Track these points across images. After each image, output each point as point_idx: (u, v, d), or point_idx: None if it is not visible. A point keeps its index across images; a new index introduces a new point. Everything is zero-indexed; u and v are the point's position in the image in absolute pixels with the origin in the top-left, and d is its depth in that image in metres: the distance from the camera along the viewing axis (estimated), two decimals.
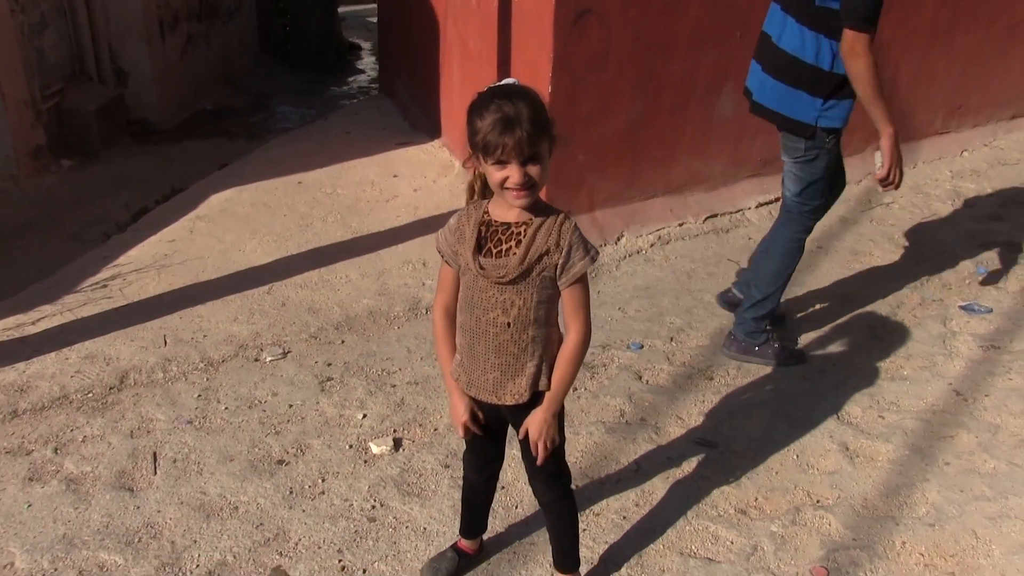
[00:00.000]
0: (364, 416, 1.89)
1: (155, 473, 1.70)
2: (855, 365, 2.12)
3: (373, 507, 1.63)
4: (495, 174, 1.14)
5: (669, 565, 1.52)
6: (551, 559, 1.46)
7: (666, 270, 2.55)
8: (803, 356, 2.13)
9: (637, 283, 2.48)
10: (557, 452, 1.30)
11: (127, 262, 2.47)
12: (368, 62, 5.39)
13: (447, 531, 1.57)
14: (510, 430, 1.34)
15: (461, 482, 1.46)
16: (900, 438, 1.85)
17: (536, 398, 1.26)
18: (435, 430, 1.85)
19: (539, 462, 1.27)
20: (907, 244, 2.73)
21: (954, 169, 3.25)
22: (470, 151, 1.16)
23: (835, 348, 2.20)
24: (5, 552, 1.51)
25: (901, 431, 1.87)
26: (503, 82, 1.17)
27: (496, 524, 1.58)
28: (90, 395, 1.93)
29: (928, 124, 3.28)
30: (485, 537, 1.54)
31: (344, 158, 3.13)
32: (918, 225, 2.84)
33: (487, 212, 1.21)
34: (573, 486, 1.42)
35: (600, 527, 1.60)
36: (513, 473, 1.67)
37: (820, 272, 2.49)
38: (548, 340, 1.25)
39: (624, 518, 1.62)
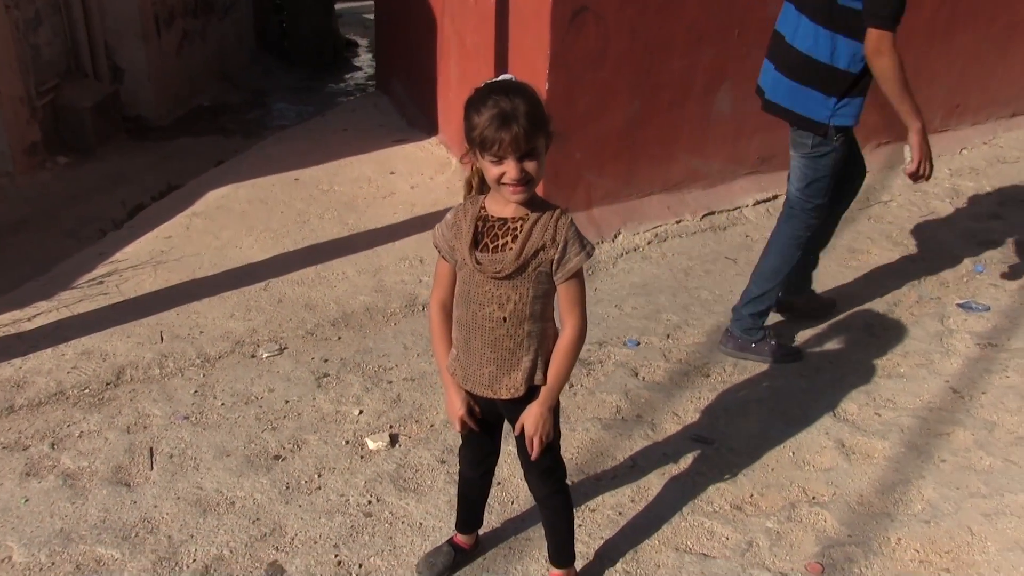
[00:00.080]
0: (360, 412, 1.91)
1: (152, 468, 1.72)
2: (852, 363, 2.15)
3: (369, 502, 1.66)
4: (492, 170, 1.16)
5: (664, 561, 1.55)
6: (546, 554, 1.48)
7: (663, 268, 2.58)
8: (800, 354, 2.16)
9: (634, 280, 2.50)
10: (552, 447, 1.32)
11: (123, 259, 2.49)
12: (365, 59, 5.41)
13: (443, 526, 1.59)
14: (506, 426, 1.36)
15: (457, 477, 1.48)
16: (896, 435, 1.87)
17: (532, 393, 1.28)
18: (431, 426, 1.87)
19: (534, 456, 1.29)
20: (905, 242, 2.75)
21: (953, 167, 3.28)
22: (467, 146, 1.18)
23: (832, 346, 2.23)
24: (3, 546, 1.53)
25: (897, 428, 1.90)
26: (500, 78, 1.19)
27: (492, 519, 1.60)
28: (87, 391, 1.95)
29: (927, 122, 3.30)
30: (481, 532, 1.56)
31: (341, 155, 3.15)
32: (916, 223, 2.86)
33: (484, 207, 1.23)
34: (569, 482, 1.44)
35: (596, 523, 1.62)
36: (509, 469, 1.70)
37: (818, 269, 2.52)
38: (544, 335, 1.27)
39: (620, 514, 1.65)
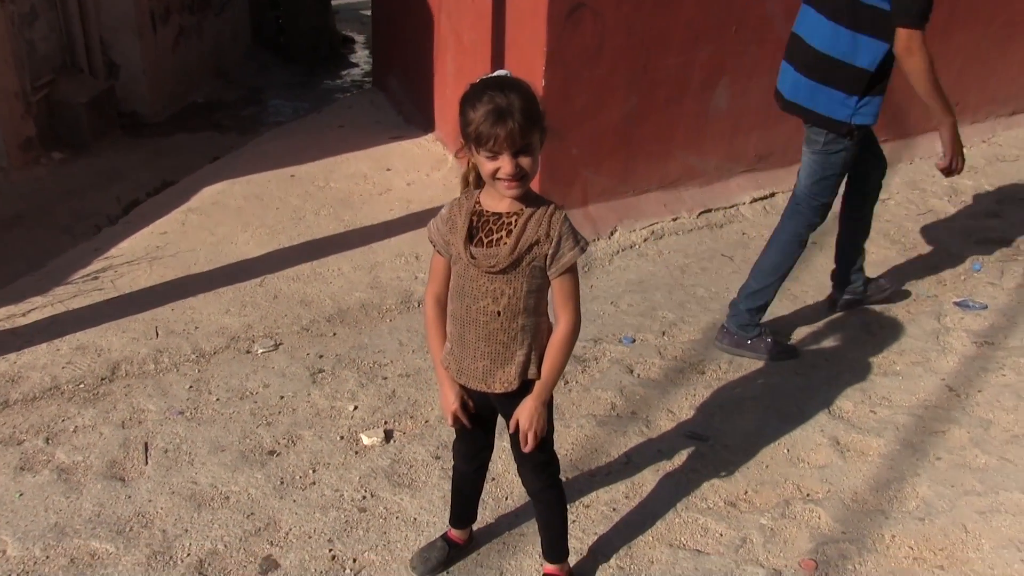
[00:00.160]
0: (355, 408, 1.93)
1: (146, 463, 1.74)
2: (848, 360, 2.17)
3: (364, 497, 1.68)
4: (487, 165, 1.18)
5: (658, 557, 1.57)
6: (540, 550, 1.49)
7: (659, 265, 2.60)
8: (795, 351, 2.18)
9: (630, 277, 2.52)
10: (546, 441, 1.34)
11: (118, 254, 2.51)
12: (362, 56, 5.42)
13: (437, 521, 1.61)
14: (500, 421, 1.38)
15: (451, 473, 1.50)
16: (892, 433, 1.89)
17: (525, 387, 1.29)
18: (426, 422, 1.89)
19: (527, 449, 1.31)
20: (902, 240, 2.77)
21: None
22: (462, 141, 1.20)
23: (828, 343, 2.25)
24: None
25: (893, 426, 1.92)
26: (495, 73, 1.21)
27: (486, 515, 1.62)
28: (81, 386, 1.96)
29: (926, 120, 3.32)
30: (475, 527, 1.58)
31: (337, 152, 3.17)
32: (914, 221, 2.88)
33: (478, 202, 1.25)
34: (563, 478, 1.46)
35: (590, 519, 1.64)
36: (503, 464, 1.72)
37: (814, 267, 2.54)
38: (537, 329, 1.29)
39: (614, 510, 1.67)
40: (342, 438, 1.84)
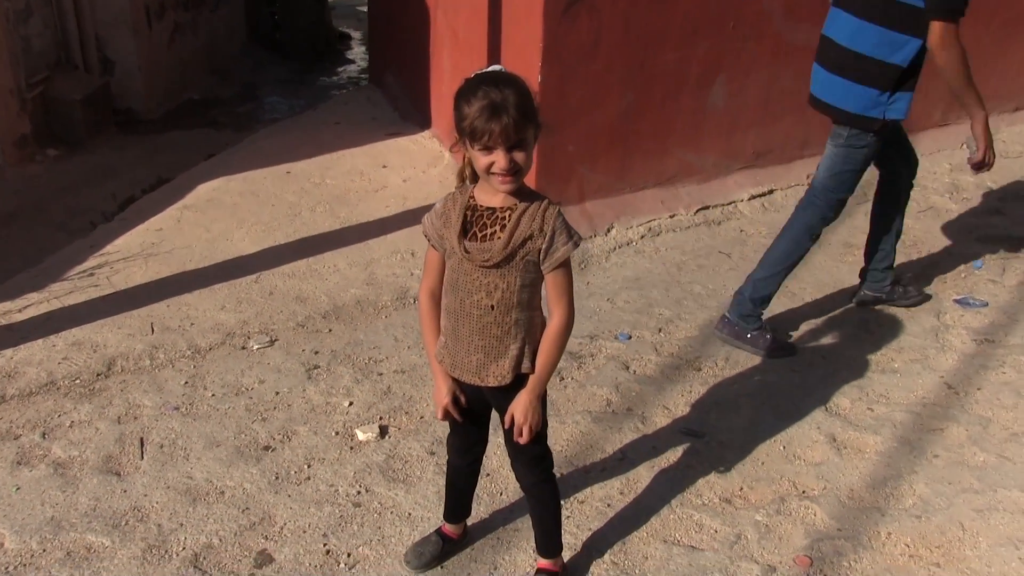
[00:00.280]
0: (350, 404, 1.96)
1: (142, 458, 1.78)
2: (845, 358, 2.20)
3: (358, 492, 1.71)
4: (481, 159, 1.20)
5: (652, 552, 1.59)
6: (534, 545, 1.52)
7: (656, 262, 2.62)
8: (793, 349, 2.21)
9: (627, 274, 2.55)
10: (540, 436, 1.37)
11: (114, 251, 2.54)
12: (358, 52, 5.45)
13: (431, 517, 1.64)
14: (495, 417, 1.41)
15: (446, 468, 1.53)
16: (889, 430, 1.92)
17: (519, 381, 1.32)
18: (421, 418, 1.92)
19: (523, 442, 1.33)
20: (903, 237, 2.79)
21: (953, 162, 3.32)
22: (456, 136, 1.23)
23: (825, 340, 2.28)
24: None
25: (890, 423, 1.94)
26: (490, 68, 1.24)
27: (480, 510, 1.65)
28: (77, 381, 2.00)
29: (927, 116, 3.36)
30: (469, 523, 1.61)
31: (333, 148, 3.20)
32: (914, 218, 2.90)
33: (472, 197, 1.28)
34: (558, 474, 1.49)
35: (584, 514, 1.67)
36: (498, 460, 1.74)
37: (813, 264, 2.57)
38: (531, 323, 1.32)
39: (608, 506, 1.69)
40: (337, 434, 1.87)
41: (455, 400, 1.36)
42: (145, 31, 4.01)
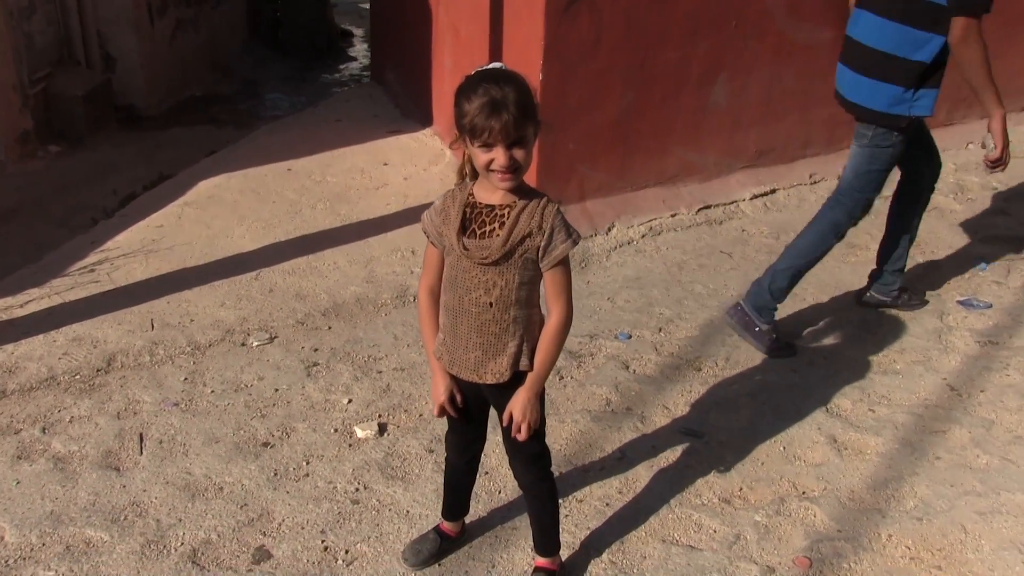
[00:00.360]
0: (350, 401, 1.98)
1: (141, 453, 1.79)
2: (846, 358, 2.20)
3: (357, 490, 1.72)
4: (481, 156, 1.21)
5: (651, 552, 1.60)
6: (532, 543, 1.53)
7: (657, 261, 2.63)
8: (794, 350, 2.22)
9: (627, 274, 2.55)
10: (538, 434, 1.38)
11: (115, 247, 2.56)
12: (360, 49, 5.47)
13: (430, 514, 1.65)
14: (493, 415, 1.42)
15: (444, 465, 1.54)
16: (890, 432, 1.92)
17: (517, 378, 1.33)
18: (420, 416, 1.93)
19: (521, 439, 1.34)
20: None
21: (958, 162, 3.32)
22: (456, 133, 1.24)
23: (827, 341, 2.28)
24: None
25: (891, 425, 1.94)
26: (490, 66, 1.25)
27: (479, 508, 1.66)
28: (77, 377, 2.02)
29: (932, 117, 3.35)
30: (468, 520, 1.62)
31: (334, 146, 3.22)
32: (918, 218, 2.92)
33: (472, 194, 1.29)
34: (557, 472, 1.50)
35: (583, 513, 1.68)
36: (497, 458, 1.76)
37: (815, 266, 2.57)
38: (529, 321, 1.33)
39: (607, 505, 1.70)
40: (336, 431, 1.88)
41: (452, 398, 1.37)
42: (147, 28, 4.04)
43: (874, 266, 2.38)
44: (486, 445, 1.53)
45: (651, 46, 2.61)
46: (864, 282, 2.46)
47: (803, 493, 1.76)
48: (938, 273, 2.60)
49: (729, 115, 2.86)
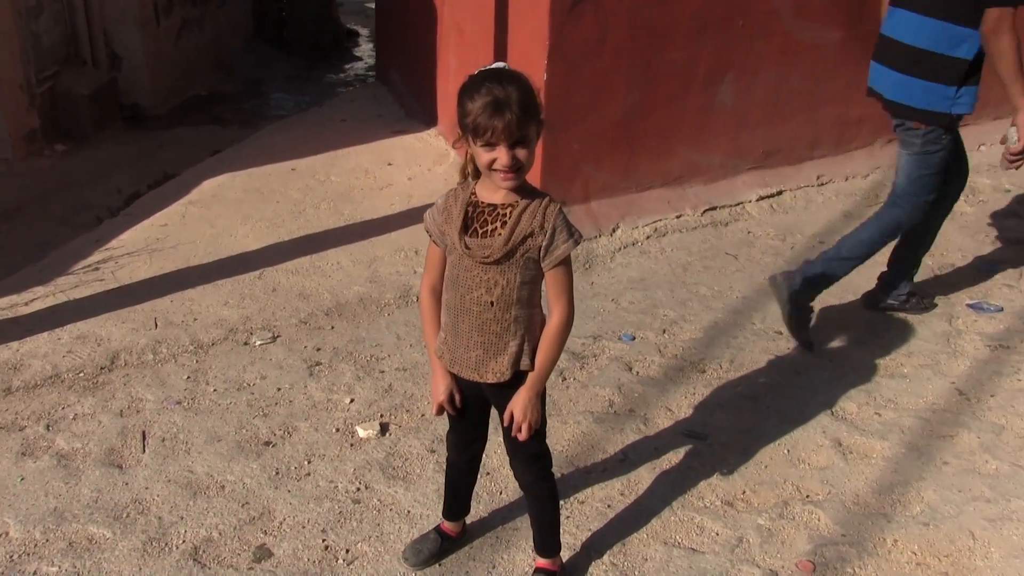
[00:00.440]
0: (352, 400, 1.99)
1: (144, 451, 1.82)
2: (852, 361, 2.19)
3: (358, 489, 1.73)
4: (483, 156, 1.23)
5: (652, 554, 1.60)
6: (532, 544, 1.54)
7: (661, 262, 2.64)
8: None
9: (631, 275, 2.56)
10: (538, 434, 1.39)
11: (119, 246, 2.59)
12: (366, 49, 5.51)
13: (431, 514, 1.66)
14: (495, 416, 1.43)
15: (445, 465, 1.55)
16: (896, 436, 1.91)
17: (517, 378, 1.34)
18: (422, 416, 1.94)
19: (522, 438, 1.35)
20: None
21: (970, 164, 3.29)
22: (459, 132, 1.25)
23: (833, 344, 2.28)
24: (0, 522, 1.63)
25: (898, 429, 1.94)
26: (493, 65, 1.26)
27: (480, 509, 1.67)
28: (81, 374, 2.04)
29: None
30: (469, 521, 1.63)
31: (338, 145, 3.24)
32: None
33: (474, 193, 1.30)
34: (559, 473, 1.51)
35: (584, 515, 1.69)
36: (498, 459, 1.76)
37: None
38: (531, 321, 1.34)
39: (609, 506, 1.71)
40: (338, 430, 1.90)
41: (451, 398, 1.38)
42: (153, 27, 4.09)
43: (883, 269, 2.38)
44: (488, 446, 1.54)
45: (656, 46, 2.62)
46: (872, 284, 2.46)
47: (807, 496, 1.75)
48: (948, 276, 2.59)
49: (735, 115, 2.87)
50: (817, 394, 2.06)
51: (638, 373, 2.12)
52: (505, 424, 1.37)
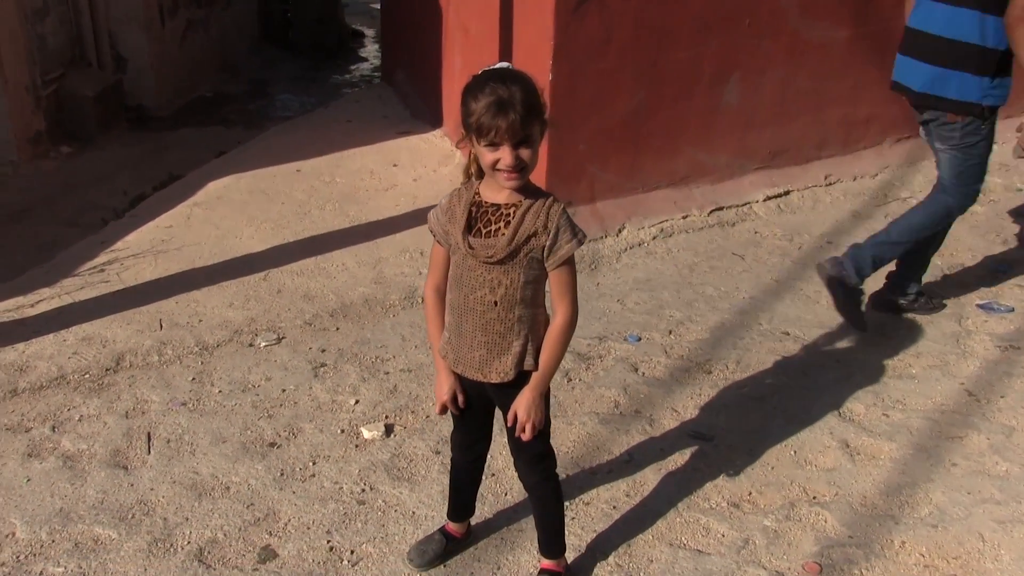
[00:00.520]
0: (356, 402, 2.00)
1: (149, 452, 1.83)
2: (859, 362, 2.19)
3: (363, 490, 1.74)
4: (487, 156, 1.23)
5: (657, 556, 1.60)
6: (537, 545, 1.54)
7: (667, 263, 2.64)
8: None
9: (637, 275, 2.56)
10: (542, 434, 1.39)
11: (124, 247, 2.62)
12: (371, 50, 5.53)
13: (436, 515, 1.67)
14: (500, 417, 1.43)
15: (450, 466, 1.56)
16: (904, 437, 1.91)
17: (521, 378, 1.35)
18: (427, 417, 1.95)
19: (526, 438, 1.35)
20: None
21: None
22: (463, 132, 1.26)
23: (840, 344, 2.27)
24: (7, 523, 1.65)
25: (906, 430, 1.93)
26: (497, 65, 1.27)
27: (485, 510, 1.68)
28: (87, 376, 2.06)
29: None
30: (474, 522, 1.63)
31: (344, 146, 3.26)
32: None
33: (478, 193, 1.31)
34: (564, 475, 1.51)
35: (589, 516, 1.69)
36: (503, 460, 1.77)
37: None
38: (534, 320, 1.34)
39: (614, 508, 1.71)
40: (343, 431, 1.91)
41: (454, 398, 1.39)
42: (158, 28, 4.12)
43: (892, 268, 2.38)
44: (492, 447, 1.55)
45: (662, 45, 2.62)
46: (881, 284, 2.45)
47: (814, 498, 1.75)
48: (958, 276, 2.57)
49: (742, 115, 2.86)
50: (824, 395, 2.05)
51: (644, 374, 2.12)
52: (509, 424, 1.38)
